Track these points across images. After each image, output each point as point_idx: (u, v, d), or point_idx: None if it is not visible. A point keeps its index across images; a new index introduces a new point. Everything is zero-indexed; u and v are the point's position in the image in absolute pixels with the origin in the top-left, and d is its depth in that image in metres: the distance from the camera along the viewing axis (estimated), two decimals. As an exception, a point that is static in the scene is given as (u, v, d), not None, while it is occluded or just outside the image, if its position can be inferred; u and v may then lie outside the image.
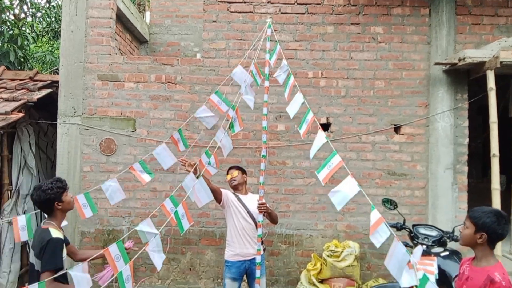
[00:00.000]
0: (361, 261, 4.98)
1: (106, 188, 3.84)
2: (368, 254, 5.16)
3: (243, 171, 4.38)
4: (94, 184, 4.86)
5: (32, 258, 3.05)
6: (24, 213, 5.21)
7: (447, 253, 3.86)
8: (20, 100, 5.14)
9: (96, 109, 5.26)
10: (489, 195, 4.35)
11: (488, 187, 4.38)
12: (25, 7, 10.76)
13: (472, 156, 5.21)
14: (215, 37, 5.31)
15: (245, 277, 4.22)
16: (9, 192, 5.10)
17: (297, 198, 5.23)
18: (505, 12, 5.22)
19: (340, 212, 5.17)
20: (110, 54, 5.32)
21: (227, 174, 4.36)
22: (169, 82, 5.28)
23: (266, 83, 4.05)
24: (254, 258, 4.00)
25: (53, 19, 11.99)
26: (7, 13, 9.39)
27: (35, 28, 11.21)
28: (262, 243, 3.96)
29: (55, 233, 2.94)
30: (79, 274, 2.69)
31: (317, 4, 5.26)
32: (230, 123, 3.98)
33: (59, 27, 11.83)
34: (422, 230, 4.10)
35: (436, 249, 3.91)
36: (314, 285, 4.69)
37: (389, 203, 4.28)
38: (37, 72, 6.10)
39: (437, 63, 5.02)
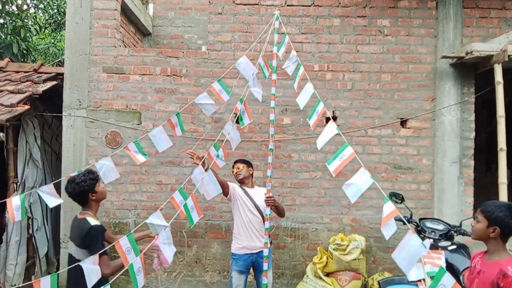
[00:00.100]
0: (367, 255, 4.99)
1: (100, 166, 3.81)
2: (374, 248, 5.17)
3: (249, 165, 4.38)
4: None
5: (72, 249, 3.12)
6: (30, 206, 5.24)
7: (454, 247, 3.86)
8: (25, 92, 5.12)
9: (101, 102, 5.24)
10: (493, 189, 4.35)
11: (491, 181, 4.38)
12: (27, -2, 10.72)
13: (476, 150, 5.21)
14: (221, 30, 5.28)
15: (251, 270, 4.24)
16: (15, 185, 5.10)
17: (302, 192, 5.23)
18: (512, 5, 5.19)
19: (345, 206, 5.18)
20: (115, 47, 5.29)
21: (233, 167, 4.36)
22: (174, 74, 5.26)
23: (274, 76, 4.02)
24: (261, 251, 4.01)
25: (55, 10, 11.92)
26: (10, 4, 9.32)
27: (38, 20, 11.15)
28: (269, 236, 3.97)
29: (93, 221, 3.06)
30: (89, 266, 2.71)
31: (324, -4, 5.23)
32: (238, 116, 3.96)
33: (62, 18, 11.83)
34: (429, 224, 4.11)
35: (443, 243, 3.91)
36: (320, 278, 4.70)
37: (396, 197, 4.28)
38: (42, 64, 6.07)
39: (444, 57, 4.99)
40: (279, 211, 4.24)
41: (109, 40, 5.27)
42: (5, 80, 5.56)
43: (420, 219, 4.20)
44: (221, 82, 4.03)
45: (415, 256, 2.30)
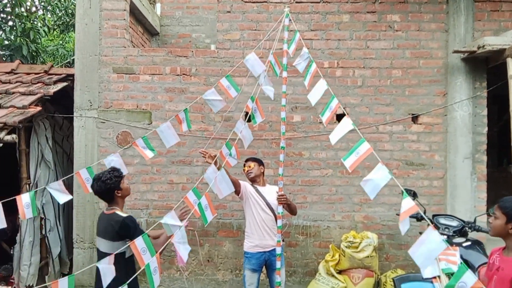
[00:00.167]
0: (379, 252, 4.97)
1: (109, 162, 3.83)
2: (386, 245, 5.14)
3: (260, 163, 4.36)
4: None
5: (101, 245, 3.19)
6: (43, 207, 5.27)
7: (469, 243, 3.83)
8: (36, 94, 5.15)
9: (112, 102, 5.26)
10: (505, 184, 4.30)
11: (503, 176, 4.33)
12: (36, 0, 10.77)
13: (488, 145, 5.15)
14: (230, 28, 5.27)
15: (264, 269, 4.23)
16: (27, 186, 5.13)
17: (314, 189, 5.21)
18: (525, -2, 5.12)
19: (357, 203, 5.16)
20: (125, 47, 5.31)
21: (244, 166, 4.35)
22: (184, 74, 5.26)
23: (285, 74, 4.01)
24: (273, 249, 4.01)
25: (63, 11, 11.98)
26: (20, 7, 9.38)
27: (46, 22, 11.22)
28: (281, 234, 3.96)
29: (123, 214, 3.17)
30: (105, 266, 2.73)
31: (333, -8, 5.20)
32: (250, 114, 3.95)
33: (70, 20, 11.89)
34: (442, 220, 4.08)
35: (458, 239, 3.89)
36: (333, 275, 4.69)
37: (408, 193, 4.24)
38: (52, 66, 6.10)
39: (455, 51, 4.94)
40: (291, 209, 4.23)
41: (118, 41, 5.29)
42: (17, 82, 5.60)
43: (434, 216, 4.18)
44: (229, 78, 4.01)
45: (434, 253, 2.27)
